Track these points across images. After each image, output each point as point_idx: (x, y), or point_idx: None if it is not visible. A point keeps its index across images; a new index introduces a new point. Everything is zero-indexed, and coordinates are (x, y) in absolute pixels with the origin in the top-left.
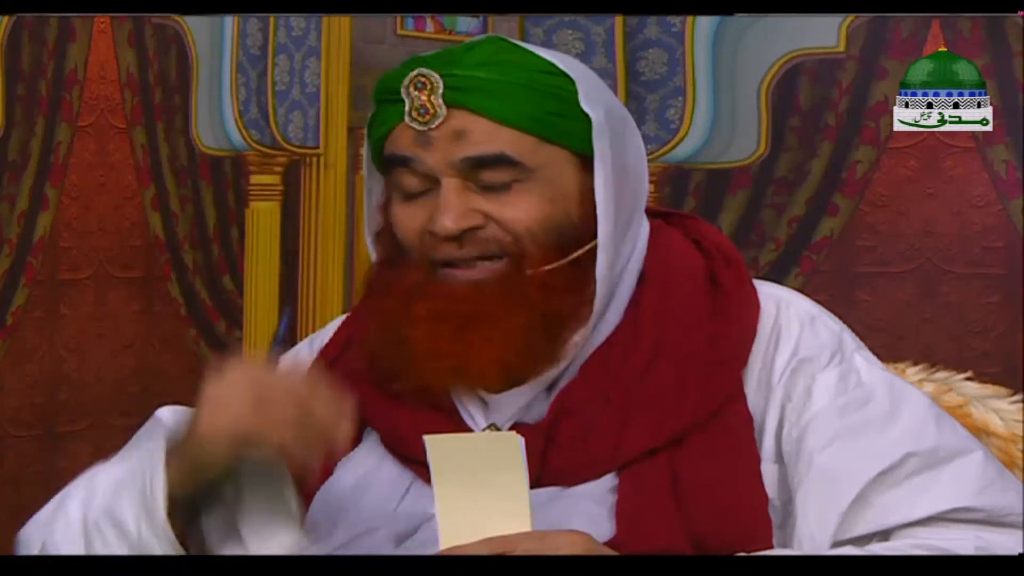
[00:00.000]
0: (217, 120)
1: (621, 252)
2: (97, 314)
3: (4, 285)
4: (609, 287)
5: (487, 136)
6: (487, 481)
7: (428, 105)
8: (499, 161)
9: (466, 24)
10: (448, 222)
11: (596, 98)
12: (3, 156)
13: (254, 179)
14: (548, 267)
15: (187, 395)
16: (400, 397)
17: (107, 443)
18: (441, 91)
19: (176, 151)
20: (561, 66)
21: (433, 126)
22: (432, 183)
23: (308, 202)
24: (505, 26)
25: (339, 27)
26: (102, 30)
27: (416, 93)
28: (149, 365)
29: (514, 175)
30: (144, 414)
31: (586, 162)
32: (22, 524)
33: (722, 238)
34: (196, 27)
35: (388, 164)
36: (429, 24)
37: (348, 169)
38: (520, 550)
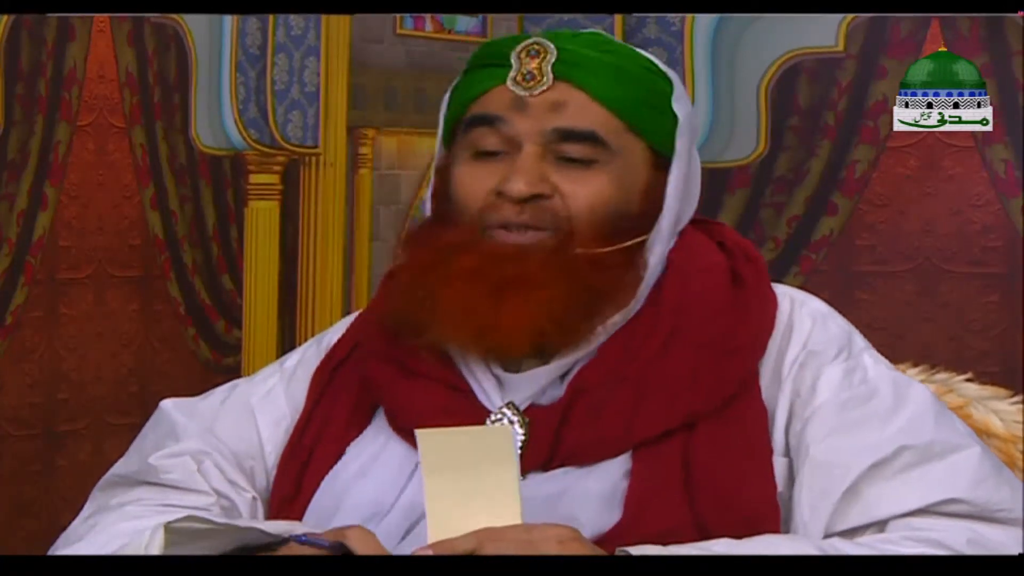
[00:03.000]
0: (216, 119)
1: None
2: (96, 313)
3: (3, 284)
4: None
5: (582, 112)
6: (477, 474)
7: (536, 72)
8: (587, 138)
9: (465, 23)
10: (523, 184)
11: (683, 104)
12: (2, 155)
13: (253, 178)
14: (598, 250)
15: (186, 394)
16: (415, 376)
17: (106, 442)
18: (552, 61)
19: (175, 150)
20: (661, 66)
21: (536, 92)
22: (511, 148)
23: (307, 201)
24: (504, 25)
25: (338, 26)
26: (101, 29)
27: (527, 59)
28: (148, 364)
29: (595, 155)
30: (143, 413)
31: (658, 160)
32: (22, 523)
33: (745, 240)
34: (195, 26)
35: (471, 123)
36: (428, 23)
37: (347, 168)
38: (507, 540)
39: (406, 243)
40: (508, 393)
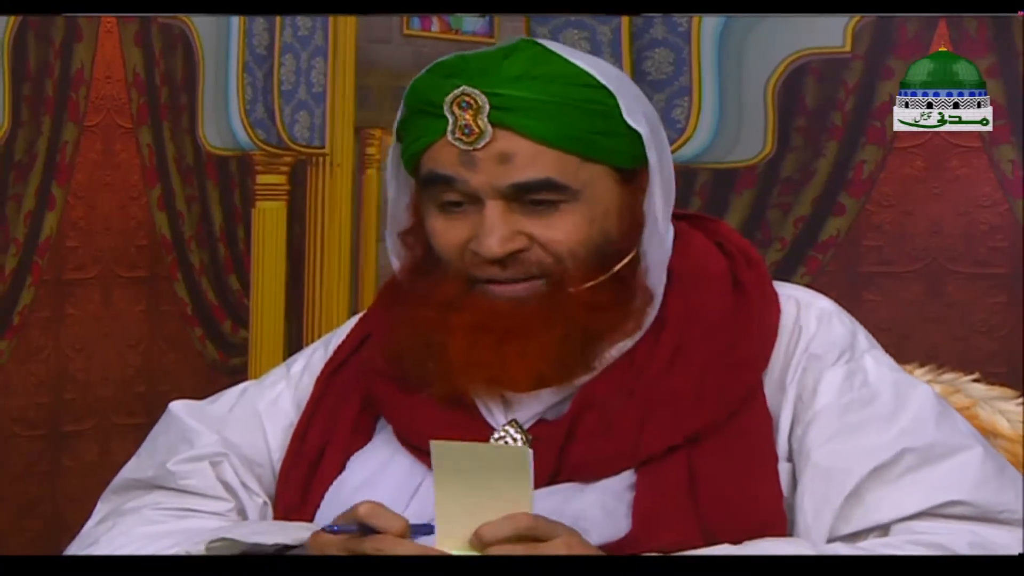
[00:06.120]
0: (223, 120)
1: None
2: (103, 314)
3: (10, 285)
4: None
5: (532, 160)
6: (490, 491)
7: (473, 126)
8: (545, 186)
9: (472, 24)
10: (495, 246)
11: (636, 109)
12: (9, 156)
13: (260, 179)
14: (589, 284)
15: (193, 394)
16: (420, 392)
17: (112, 442)
18: (487, 112)
19: (182, 151)
20: (601, 79)
21: (479, 146)
22: (474, 201)
23: (314, 202)
24: (511, 26)
25: (345, 27)
26: (108, 30)
27: (460, 112)
28: (155, 365)
29: (559, 197)
30: (150, 413)
31: (625, 176)
32: (27, 523)
33: (744, 241)
34: (202, 27)
35: (428, 180)
36: (435, 24)
37: (354, 169)
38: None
39: (392, 295)
40: (513, 411)
